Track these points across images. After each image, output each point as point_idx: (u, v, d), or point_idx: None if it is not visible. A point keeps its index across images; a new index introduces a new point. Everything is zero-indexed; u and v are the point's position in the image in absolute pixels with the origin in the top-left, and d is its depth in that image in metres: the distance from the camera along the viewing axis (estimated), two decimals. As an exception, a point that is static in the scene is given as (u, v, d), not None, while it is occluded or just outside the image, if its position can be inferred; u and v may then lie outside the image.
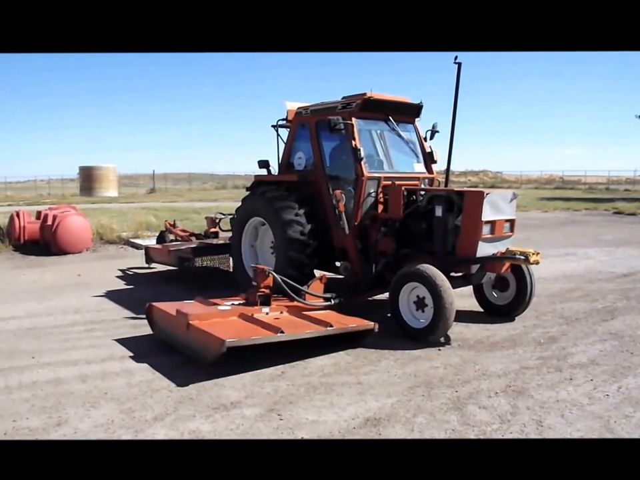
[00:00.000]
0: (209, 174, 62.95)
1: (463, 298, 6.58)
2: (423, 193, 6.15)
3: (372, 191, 6.29)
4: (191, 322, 4.80)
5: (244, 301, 5.66)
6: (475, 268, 5.69)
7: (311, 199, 6.61)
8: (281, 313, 5.51)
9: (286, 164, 7.18)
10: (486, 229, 5.57)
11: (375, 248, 6.20)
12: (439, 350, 5.21)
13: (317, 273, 6.58)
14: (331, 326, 5.00)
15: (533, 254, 5.52)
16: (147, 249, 9.22)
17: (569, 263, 10.09)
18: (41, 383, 4.40)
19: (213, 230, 9.63)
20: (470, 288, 6.38)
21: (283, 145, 7.30)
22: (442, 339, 5.43)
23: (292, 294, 5.59)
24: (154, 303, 5.57)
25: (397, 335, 5.52)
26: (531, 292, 6.08)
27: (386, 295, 6.04)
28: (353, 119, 6.24)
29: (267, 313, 5.37)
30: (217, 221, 9.76)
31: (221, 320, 5.08)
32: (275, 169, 7.43)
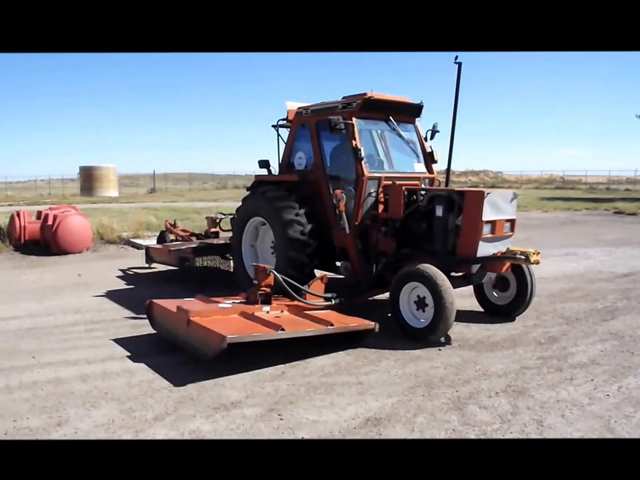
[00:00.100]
0: (209, 174, 63.00)
1: (463, 298, 6.58)
2: (423, 192, 6.15)
3: (372, 190, 6.29)
4: (191, 318, 4.80)
5: (245, 300, 5.67)
6: (475, 268, 5.69)
7: (312, 198, 6.61)
8: (282, 311, 5.51)
9: (286, 164, 7.18)
10: (486, 229, 5.57)
11: (375, 248, 6.20)
12: (440, 350, 5.21)
13: (318, 272, 6.59)
14: (332, 325, 5.00)
15: (534, 254, 5.52)
16: (148, 249, 9.22)
17: (569, 262, 10.09)
18: (42, 383, 4.40)
19: (213, 230, 9.64)
20: (470, 288, 6.37)
21: (284, 145, 7.31)
22: (442, 339, 5.43)
23: (293, 293, 5.59)
24: (154, 300, 5.58)
25: (397, 334, 5.52)
26: (532, 292, 6.08)
27: (386, 295, 6.04)
28: (354, 118, 6.24)
29: (268, 312, 5.37)
30: (218, 220, 9.76)
31: (222, 317, 5.08)
32: (275, 168, 7.43)
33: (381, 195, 6.32)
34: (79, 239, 11.17)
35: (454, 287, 5.33)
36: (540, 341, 5.47)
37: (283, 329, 4.65)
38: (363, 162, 6.13)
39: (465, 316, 6.18)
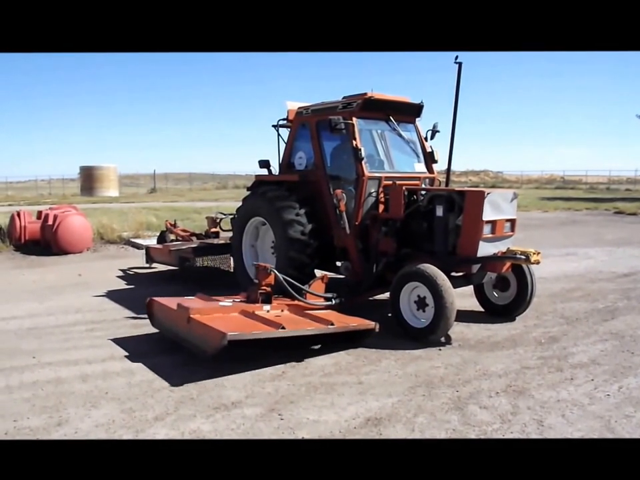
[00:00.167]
0: (209, 174, 62.96)
1: (463, 298, 6.58)
2: (423, 192, 6.15)
3: (373, 190, 6.29)
4: (192, 316, 4.80)
5: (245, 299, 5.67)
6: (475, 268, 5.69)
7: (312, 198, 6.60)
8: (282, 311, 5.51)
9: (287, 164, 7.18)
10: (487, 229, 5.57)
11: (375, 248, 6.20)
12: (440, 350, 5.21)
13: (318, 272, 6.59)
14: (332, 324, 5.00)
15: (534, 254, 5.52)
16: (148, 249, 9.23)
17: (569, 262, 10.09)
18: (42, 383, 4.40)
19: (213, 230, 9.64)
20: (471, 288, 6.37)
21: (284, 145, 7.31)
22: (443, 339, 5.43)
23: (293, 292, 5.59)
24: (155, 298, 5.58)
25: (397, 334, 5.51)
26: (532, 292, 6.08)
27: (387, 295, 6.04)
28: (354, 118, 6.24)
29: (268, 311, 5.37)
30: (218, 220, 9.76)
31: (222, 315, 5.08)
32: (275, 168, 7.43)
33: (381, 195, 6.32)
34: (79, 239, 11.17)
35: (454, 287, 5.33)
36: (540, 341, 5.47)
37: (283, 327, 4.65)
38: (363, 162, 6.13)
39: (465, 316, 6.17)
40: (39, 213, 11.77)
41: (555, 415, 3.81)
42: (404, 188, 6.14)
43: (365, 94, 6.36)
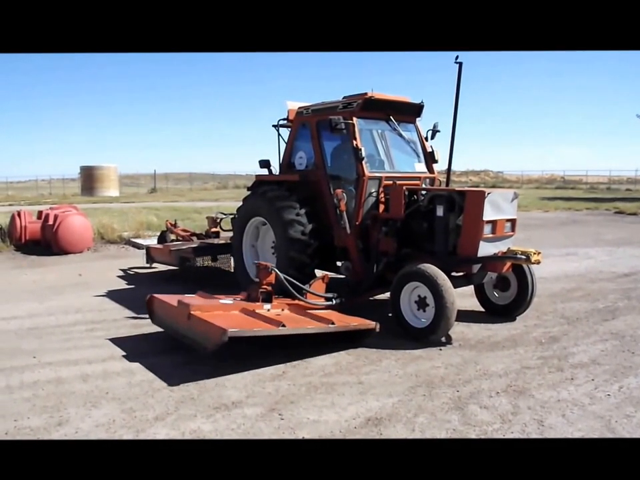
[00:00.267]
0: (210, 174, 62.97)
1: (464, 298, 6.57)
2: (424, 192, 6.15)
3: (373, 190, 6.29)
4: (192, 312, 4.80)
5: (246, 297, 5.67)
6: (476, 267, 5.69)
7: (312, 198, 6.60)
8: (282, 310, 5.51)
9: (287, 164, 7.18)
10: (487, 229, 5.57)
11: (376, 248, 6.20)
12: (440, 350, 5.21)
13: (318, 272, 6.59)
14: (333, 323, 5.00)
15: (534, 253, 5.52)
16: (148, 249, 9.23)
17: (570, 262, 10.08)
18: (42, 383, 4.40)
19: (214, 230, 9.64)
20: (471, 288, 6.37)
21: (284, 145, 7.31)
22: (443, 339, 5.43)
23: (294, 292, 5.59)
24: (155, 295, 5.58)
25: (398, 334, 5.51)
26: (532, 292, 6.07)
27: (387, 295, 6.04)
28: (354, 118, 6.24)
29: (269, 310, 5.37)
30: (218, 220, 9.77)
31: (223, 312, 5.09)
32: (276, 168, 7.43)
33: (382, 195, 6.32)
34: (79, 239, 11.18)
35: (455, 287, 5.32)
36: (541, 341, 5.47)
37: (284, 325, 4.65)
38: (363, 162, 6.13)
39: (465, 316, 6.17)
40: (40, 212, 11.78)
41: (555, 415, 3.81)
42: (404, 188, 6.13)
43: (365, 94, 6.36)
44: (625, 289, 7.82)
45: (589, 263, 10.05)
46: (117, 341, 5.44)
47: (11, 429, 3.61)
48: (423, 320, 5.39)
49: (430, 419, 3.76)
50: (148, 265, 9.29)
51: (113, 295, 7.55)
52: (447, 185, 6.85)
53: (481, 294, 6.47)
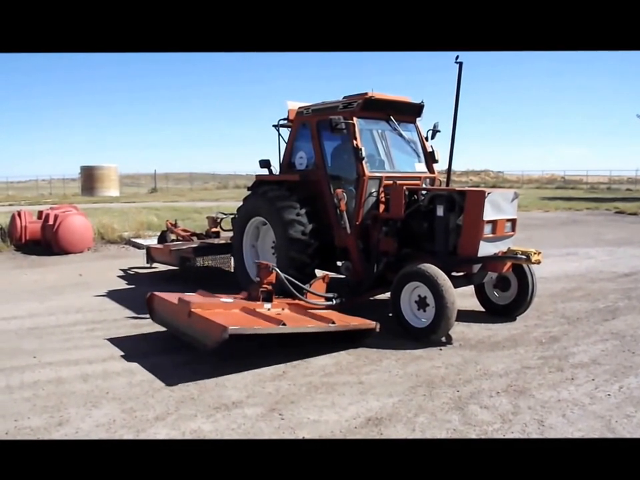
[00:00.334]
0: (210, 173, 62.98)
1: (464, 297, 6.57)
2: (424, 192, 6.15)
3: (373, 190, 6.29)
4: (193, 310, 4.80)
5: (246, 297, 5.67)
6: (476, 267, 5.69)
7: (312, 198, 6.61)
8: (283, 309, 5.51)
9: (287, 163, 7.19)
10: (487, 229, 5.57)
11: (376, 247, 6.20)
12: (441, 349, 5.21)
13: (319, 272, 6.59)
14: (333, 323, 5.00)
15: (535, 253, 5.52)
16: (149, 249, 9.23)
17: (570, 262, 10.08)
18: (43, 383, 4.41)
19: (214, 230, 9.65)
20: (471, 287, 6.37)
21: (284, 145, 7.31)
22: (443, 339, 5.42)
23: (294, 291, 5.59)
24: (155, 292, 5.58)
25: (398, 334, 5.51)
26: (533, 291, 6.07)
27: (387, 295, 6.04)
28: (354, 118, 6.24)
29: (269, 309, 5.37)
30: (219, 220, 9.77)
31: (223, 310, 5.09)
32: (276, 168, 7.44)
33: (382, 195, 6.32)
34: (79, 239, 11.18)
35: (455, 287, 5.32)
36: (541, 341, 5.47)
37: (284, 324, 4.65)
38: (363, 162, 6.13)
39: (466, 316, 6.17)
40: (40, 212, 11.78)
41: (555, 415, 3.81)
42: (404, 188, 6.13)
43: (366, 94, 6.36)
44: (626, 289, 7.82)
45: (589, 262, 10.05)
46: (117, 341, 5.44)
47: (11, 429, 3.62)
48: (423, 320, 5.39)
49: (430, 419, 3.76)
50: (148, 265, 9.30)
51: (113, 295, 7.55)
52: (447, 184, 6.85)
53: (481, 294, 6.47)
